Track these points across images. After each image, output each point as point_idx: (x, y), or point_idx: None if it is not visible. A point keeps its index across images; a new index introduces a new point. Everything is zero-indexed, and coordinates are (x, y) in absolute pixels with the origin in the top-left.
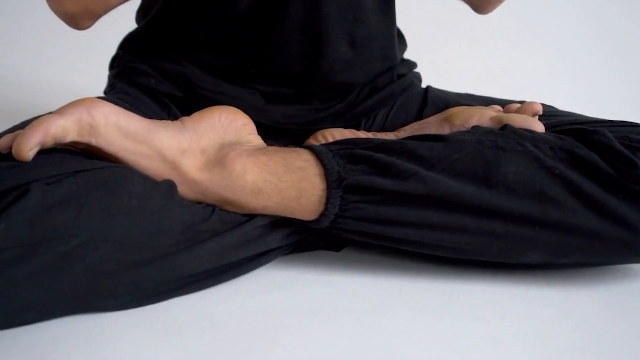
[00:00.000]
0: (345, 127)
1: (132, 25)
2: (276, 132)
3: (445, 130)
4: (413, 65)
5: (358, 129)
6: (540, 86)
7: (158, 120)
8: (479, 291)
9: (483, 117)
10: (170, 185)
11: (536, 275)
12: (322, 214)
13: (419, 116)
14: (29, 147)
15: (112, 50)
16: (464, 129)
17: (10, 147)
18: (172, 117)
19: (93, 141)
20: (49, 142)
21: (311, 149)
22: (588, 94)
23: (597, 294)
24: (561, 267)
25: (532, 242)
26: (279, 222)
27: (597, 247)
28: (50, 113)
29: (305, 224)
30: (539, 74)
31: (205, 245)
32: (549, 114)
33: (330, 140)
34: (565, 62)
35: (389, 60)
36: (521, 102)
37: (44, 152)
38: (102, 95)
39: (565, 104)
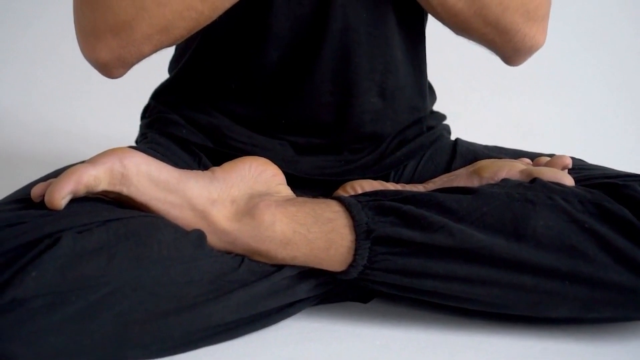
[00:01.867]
0: (374, 179)
1: (165, 75)
2: (305, 183)
3: (474, 183)
4: (442, 117)
5: (387, 180)
6: (570, 139)
7: (189, 170)
8: (508, 344)
9: (512, 170)
10: (199, 235)
11: (566, 329)
12: (351, 265)
13: (448, 168)
14: (61, 196)
15: (144, 99)
16: (493, 182)
17: (43, 196)
18: (203, 167)
19: (124, 190)
20: (81, 191)
21: (340, 200)
22: (617, 148)
23: (628, 349)
24: (591, 322)
25: (561, 296)
26: (307, 273)
27: (627, 301)
28: (82, 162)
29: (334, 275)
30: (569, 126)
31: (234, 295)
32: (578, 168)
33: (360, 191)
34: (595, 116)
35: (418, 111)
36: (550, 155)
37: (76, 201)
38: (133, 144)
39: (594, 157)
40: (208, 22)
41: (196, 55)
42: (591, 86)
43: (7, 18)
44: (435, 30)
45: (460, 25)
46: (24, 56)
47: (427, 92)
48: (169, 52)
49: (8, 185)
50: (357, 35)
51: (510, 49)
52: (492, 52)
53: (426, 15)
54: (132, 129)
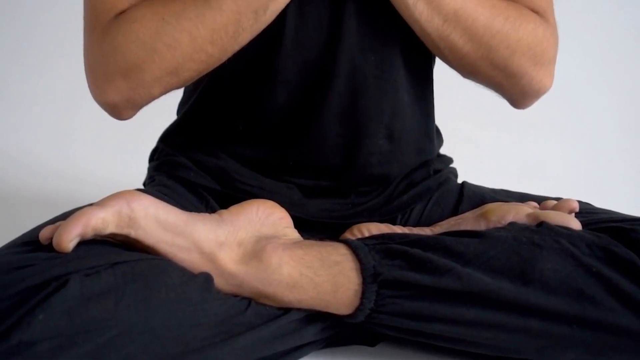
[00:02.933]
0: (381, 222)
1: (173, 117)
2: (313, 226)
3: (481, 227)
4: (449, 160)
5: (394, 223)
6: (577, 182)
7: (196, 213)
8: None
9: (519, 213)
10: (206, 278)
11: None
12: (358, 309)
13: (455, 212)
14: (69, 239)
15: (152, 142)
16: (500, 226)
17: (51, 239)
18: (210, 209)
19: (132, 233)
20: (89, 233)
21: (347, 243)
22: (625, 192)
23: None
24: None
25: (569, 340)
26: (314, 316)
27: (636, 346)
28: (90, 205)
29: (341, 318)
30: (576, 169)
31: (241, 338)
32: (585, 212)
33: (367, 234)
34: (603, 159)
35: (425, 154)
36: (557, 199)
37: (84, 244)
38: (141, 187)
39: (602, 200)
40: (217, 64)
41: (204, 98)
42: (599, 129)
43: (12, 61)
44: (442, 73)
45: (467, 68)
46: (34, 98)
47: (434, 135)
48: (177, 94)
49: (16, 228)
50: (364, 78)
51: (517, 92)
52: (500, 95)
53: (434, 58)
54: (140, 172)
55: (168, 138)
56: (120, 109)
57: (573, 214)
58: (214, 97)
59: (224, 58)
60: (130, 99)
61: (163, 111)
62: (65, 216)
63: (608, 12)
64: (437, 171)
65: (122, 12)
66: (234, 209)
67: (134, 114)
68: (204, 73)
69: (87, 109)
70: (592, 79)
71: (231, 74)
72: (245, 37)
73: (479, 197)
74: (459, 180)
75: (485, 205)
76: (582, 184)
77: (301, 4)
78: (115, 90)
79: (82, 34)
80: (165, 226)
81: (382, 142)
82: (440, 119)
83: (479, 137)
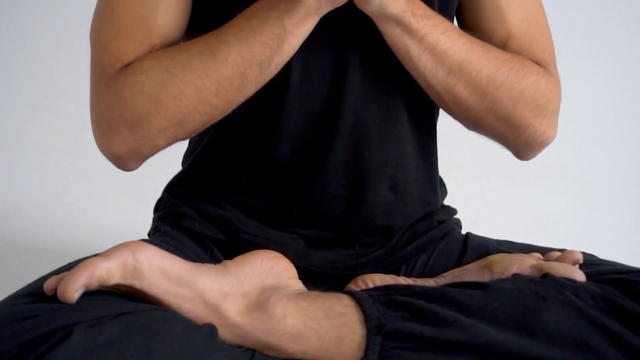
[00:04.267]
0: (385, 273)
1: (178, 168)
2: (317, 277)
3: (486, 278)
4: (453, 211)
5: (398, 274)
6: (580, 233)
7: (201, 264)
8: None
9: (523, 265)
10: (211, 329)
11: None
12: None
13: (459, 263)
14: (74, 289)
15: (157, 192)
16: (504, 277)
17: (56, 289)
18: (215, 260)
19: (137, 284)
20: (94, 284)
21: (351, 294)
22: (629, 243)
23: None
24: None
25: None
26: None
27: None
28: (95, 255)
29: None
30: (581, 220)
31: None
32: (589, 263)
33: (371, 285)
34: (607, 210)
35: (429, 205)
36: (561, 250)
37: (88, 294)
38: (146, 237)
39: (605, 252)
40: (222, 116)
41: (209, 149)
42: (603, 180)
43: (18, 110)
44: (446, 125)
45: (472, 120)
46: (38, 146)
47: (438, 186)
48: (183, 145)
49: (21, 278)
50: (368, 129)
51: (521, 143)
52: (503, 147)
53: (437, 110)
54: (145, 222)
55: (173, 189)
56: (126, 160)
57: (577, 266)
58: (219, 148)
59: (229, 110)
60: (135, 149)
61: (168, 162)
62: (69, 267)
63: (611, 65)
64: (441, 222)
65: (128, 64)
66: (238, 259)
67: (139, 165)
68: (209, 124)
69: (92, 159)
70: (596, 128)
71: (236, 125)
72: (250, 89)
73: (483, 248)
74: (463, 231)
75: (489, 256)
76: (586, 235)
77: (306, 56)
78: (121, 141)
79: (86, 81)
80: (170, 277)
81: (385, 194)
82: (445, 170)
83: (483, 188)
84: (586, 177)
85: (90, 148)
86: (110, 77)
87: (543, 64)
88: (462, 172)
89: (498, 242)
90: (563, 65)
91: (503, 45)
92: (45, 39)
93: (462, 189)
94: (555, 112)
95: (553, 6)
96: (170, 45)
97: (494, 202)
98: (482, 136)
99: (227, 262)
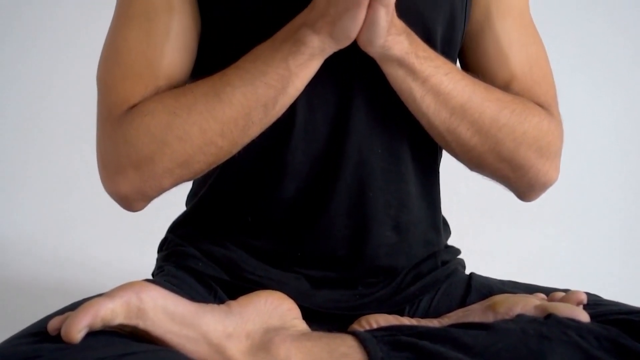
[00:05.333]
0: (389, 313)
1: (182, 208)
2: (321, 317)
3: (489, 318)
4: (457, 251)
5: (402, 314)
6: (584, 274)
7: (205, 304)
8: None
9: (527, 305)
10: None
11: None
12: None
13: (463, 303)
14: (78, 330)
15: (162, 232)
16: (508, 317)
17: (60, 329)
18: (219, 300)
19: (140, 324)
20: (98, 324)
21: (355, 334)
22: (633, 284)
23: None
24: None
25: None
26: None
27: None
28: (99, 295)
29: None
30: (585, 261)
31: None
32: (593, 303)
33: (375, 326)
34: (611, 251)
35: (432, 246)
36: (565, 291)
37: (92, 335)
38: (150, 277)
39: (609, 293)
40: (228, 157)
41: (214, 189)
42: (607, 221)
43: (23, 147)
44: (448, 165)
45: (474, 161)
46: (43, 185)
47: (441, 227)
48: (187, 185)
49: (24, 317)
50: (371, 169)
51: (524, 184)
52: (506, 188)
53: (440, 151)
54: (149, 262)
55: (177, 229)
56: (132, 201)
57: (581, 306)
58: (223, 189)
59: (234, 151)
60: (141, 190)
61: (172, 202)
62: (73, 306)
63: (608, 113)
64: (444, 262)
65: (135, 105)
66: (242, 300)
67: (145, 206)
68: (215, 165)
69: (96, 198)
70: (599, 168)
71: (241, 166)
72: (255, 130)
73: (487, 288)
74: (467, 272)
75: (493, 296)
76: (590, 275)
77: (310, 97)
78: (127, 182)
79: (92, 120)
80: (174, 317)
81: (389, 234)
82: (448, 210)
83: (486, 228)
84: (591, 217)
85: (95, 187)
86: (117, 118)
87: (545, 106)
88: (466, 212)
89: (502, 282)
90: (564, 107)
91: (505, 86)
92: (51, 75)
93: (466, 229)
94: (558, 154)
95: (554, 49)
96: (176, 86)
97: (498, 242)
98: (485, 177)
99: (231, 302)
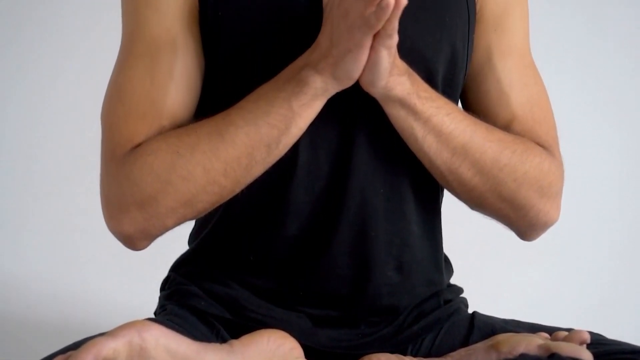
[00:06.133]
0: (392, 353)
1: (185, 247)
2: (323, 356)
3: (492, 358)
4: (459, 290)
5: (405, 354)
6: (587, 313)
7: (207, 343)
8: None
9: (530, 344)
10: None
11: None
12: None
13: (466, 342)
14: None
15: (164, 271)
16: (511, 357)
17: None
18: (221, 339)
19: None
20: None
21: None
22: (636, 323)
23: None
24: None
25: None
26: None
27: None
28: (101, 334)
29: None
30: (588, 300)
31: None
32: (596, 342)
33: None
34: (615, 290)
35: (435, 285)
36: (568, 330)
37: None
38: (152, 316)
39: (612, 332)
40: (231, 196)
41: (217, 228)
42: (611, 261)
43: (27, 186)
44: (451, 203)
45: (475, 201)
46: (46, 225)
47: (444, 266)
48: (189, 224)
49: (27, 355)
50: (373, 209)
51: (525, 224)
52: (507, 227)
53: (442, 190)
54: (151, 301)
55: (180, 267)
56: (135, 240)
57: (584, 346)
58: (226, 228)
59: (238, 190)
60: (144, 229)
61: (175, 241)
62: (76, 345)
63: (608, 148)
64: (447, 301)
65: (138, 144)
66: (244, 339)
67: (148, 245)
68: (218, 204)
69: (99, 237)
70: (602, 207)
71: (244, 205)
72: (258, 169)
73: (490, 327)
74: (470, 310)
75: (496, 336)
76: (593, 314)
77: (313, 136)
78: (130, 221)
79: (96, 158)
80: (176, 356)
81: (391, 274)
82: (450, 249)
83: (489, 267)
84: (594, 256)
85: (97, 225)
86: (120, 157)
87: (546, 146)
88: (469, 251)
89: (505, 321)
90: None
91: (507, 127)
92: (54, 113)
93: (469, 268)
94: (559, 194)
95: (555, 87)
96: (179, 125)
97: (501, 281)
98: (486, 217)
99: (234, 341)
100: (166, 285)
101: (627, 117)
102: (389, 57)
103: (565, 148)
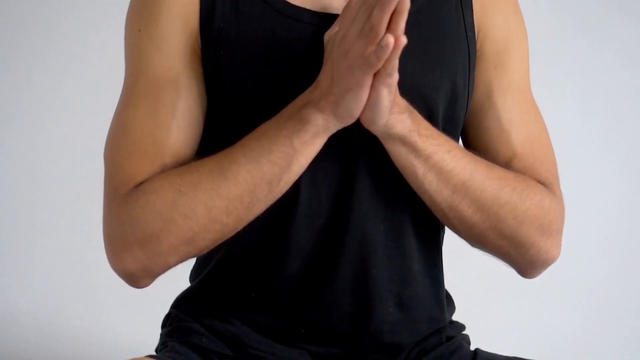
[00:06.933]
0: None
1: (186, 284)
2: None
3: None
4: (461, 327)
5: None
6: (591, 349)
7: None
8: None
9: None
10: None
11: None
12: None
13: None
14: None
15: (165, 308)
16: None
17: None
18: None
19: None
20: None
21: None
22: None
23: None
24: None
25: None
26: None
27: None
28: None
29: None
30: (589, 335)
31: None
32: None
33: None
34: (616, 326)
35: (437, 322)
36: None
37: None
38: (153, 353)
39: None
40: (233, 233)
41: (218, 265)
42: (613, 299)
43: (29, 223)
44: (451, 241)
45: (476, 238)
46: (47, 263)
47: (445, 302)
48: (191, 261)
49: None
50: (374, 246)
51: (525, 262)
52: (508, 264)
53: (443, 227)
54: (152, 338)
55: (181, 304)
56: (137, 278)
57: None
58: (227, 265)
59: (239, 227)
60: (147, 267)
61: (176, 277)
62: None
63: (611, 187)
64: (449, 338)
65: (141, 182)
66: None
67: (151, 283)
68: (220, 242)
69: (101, 274)
70: (604, 243)
71: (245, 243)
72: (260, 207)
73: None
74: (472, 347)
75: None
76: (596, 351)
77: (314, 173)
78: (133, 260)
79: (98, 196)
80: None
81: (392, 311)
82: (452, 286)
83: (491, 303)
84: (597, 293)
85: (99, 262)
86: (123, 196)
87: (547, 184)
88: (470, 287)
89: (507, 358)
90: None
91: (507, 164)
92: (57, 148)
93: (471, 304)
94: (559, 231)
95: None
96: (182, 163)
97: (503, 317)
98: (486, 254)
99: None
100: (167, 322)
101: (626, 155)
102: (389, 95)
103: (566, 185)
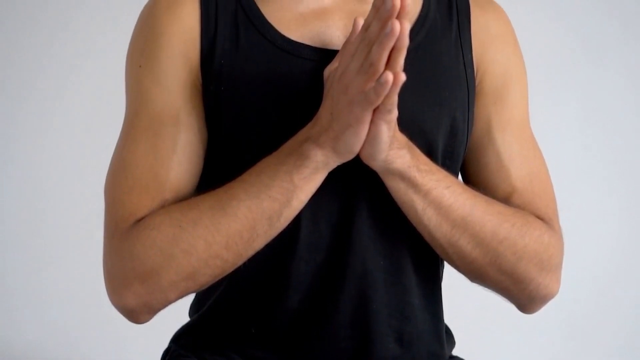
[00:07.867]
0: None
1: (185, 318)
2: None
3: None
4: None
5: None
6: None
7: None
8: None
9: None
10: None
11: None
12: None
13: None
14: None
15: (164, 342)
16: None
17: None
18: None
19: None
20: None
21: None
22: None
23: None
24: None
25: None
26: None
27: None
28: None
29: None
30: None
31: None
32: None
33: None
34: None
35: (436, 357)
36: None
37: None
38: None
39: None
40: (233, 269)
41: (218, 300)
42: (611, 332)
43: (28, 258)
44: (450, 275)
45: (475, 273)
46: (46, 297)
47: (445, 337)
48: (190, 296)
49: None
50: (374, 281)
51: (524, 297)
52: (507, 300)
53: (442, 262)
54: None
55: (180, 339)
56: (138, 313)
57: None
58: (227, 300)
59: (239, 263)
60: (147, 303)
61: (175, 312)
62: None
63: (611, 219)
64: None
65: (141, 218)
66: None
67: (151, 318)
68: (220, 277)
69: (100, 307)
70: (603, 277)
71: (245, 278)
72: (260, 242)
73: None
74: None
75: None
76: None
77: (314, 209)
78: (133, 295)
79: (98, 231)
80: None
81: (392, 346)
82: (452, 321)
83: (491, 337)
84: (596, 326)
85: (98, 296)
86: (123, 231)
87: (546, 219)
88: (470, 321)
89: None
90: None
91: (506, 199)
92: (59, 173)
93: (471, 339)
94: (559, 267)
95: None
96: (182, 198)
97: (503, 352)
98: (486, 289)
99: None
100: (166, 356)
101: (625, 191)
102: (388, 131)
103: (565, 220)
